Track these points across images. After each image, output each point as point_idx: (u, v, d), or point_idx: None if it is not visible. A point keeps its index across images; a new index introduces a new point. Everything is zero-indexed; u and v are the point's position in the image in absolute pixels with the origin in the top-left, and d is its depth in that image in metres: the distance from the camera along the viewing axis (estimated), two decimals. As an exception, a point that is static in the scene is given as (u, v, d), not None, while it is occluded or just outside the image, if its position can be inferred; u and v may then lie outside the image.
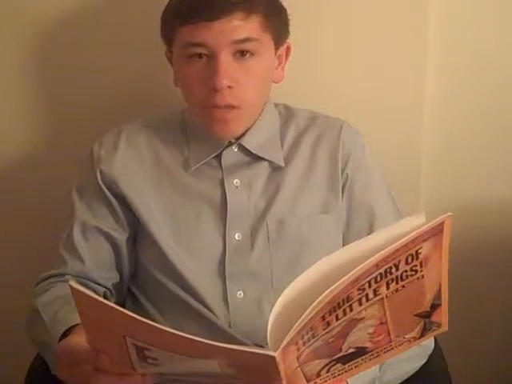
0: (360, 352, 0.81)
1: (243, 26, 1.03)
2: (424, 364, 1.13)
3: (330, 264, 0.76)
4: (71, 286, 0.72)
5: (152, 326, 0.72)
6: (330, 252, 1.12)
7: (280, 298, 0.75)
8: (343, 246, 1.15)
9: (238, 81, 1.05)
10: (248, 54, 1.06)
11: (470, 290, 1.44)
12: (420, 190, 1.43)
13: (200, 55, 1.05)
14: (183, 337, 0.71)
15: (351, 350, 0.80)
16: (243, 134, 1.13)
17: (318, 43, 1.32)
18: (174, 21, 1.07)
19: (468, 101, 1.40)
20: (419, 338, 0.83)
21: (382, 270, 0.74)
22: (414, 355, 1.09)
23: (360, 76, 1.36)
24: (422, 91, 1.37)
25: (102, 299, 0.73)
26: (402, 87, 1.37)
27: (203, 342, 0.71)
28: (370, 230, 1.14)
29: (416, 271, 0.77)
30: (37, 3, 1.32)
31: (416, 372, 1.12)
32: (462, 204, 1.45)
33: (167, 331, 0.71)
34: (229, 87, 1.04)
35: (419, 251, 0.75)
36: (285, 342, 0.72)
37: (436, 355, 1.14)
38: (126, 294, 1.18)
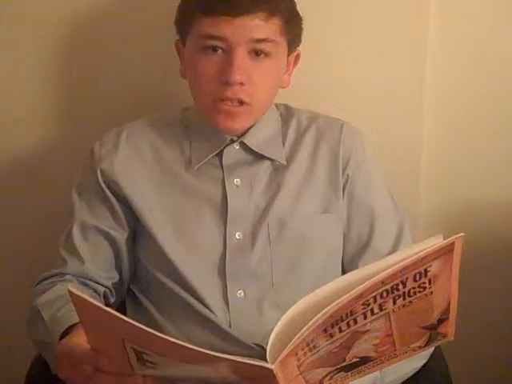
0: (364, 361, 0.81)
1: (264, 26, 1.04)
2: (424, 364, 1.13)
3: (343, 281, 0.75)
4: (70, 291, 0.72)
5: (150, 333, 0.71)
6: (330, 252, 1.13)
7: (287, 313, 0.75)
8: (343, 246, 1.16)
9: (250, 78, 1.05)
10: (263, 55, 1.06)
11: (469, 289, 1.43)
12: (420, 189, 1.43)
13: (215, 48, 1.05)
14: (180, 345, 0.71)
15: (355, 360, 0.80)
16: (245, 133, 1.13)
17: (318, 43, 1.32)
18: (194, 10, 1.06)
19: (468, 100, 1.40)
20: (424, 347, 0.83)
21: (387, 287, 0.74)
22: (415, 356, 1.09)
23: (359, 76, 1.36)
24: (422, 91, 1.36)
25: (100, 305, 0.73)
26: (402, 87, 1.36)
27: (200, 352, 0.71)
28: (371, 231, 1.14)
29: (424, 288, 0.76)
30: (37, 6, 1.32)
31: (416, 372, 1.12)
32: (461, 204, 1.45)
33: (165, 339, 0.71)
34: (241, 83, 1.04)
35: (428, 269, 0.75)
36: (282, 356, 0.72)
37: (436, 355, 1.14)
38: (126, 293, 1.18)
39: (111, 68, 1.35)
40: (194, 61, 1.08)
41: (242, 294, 1.09)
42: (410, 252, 0.73)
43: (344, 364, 0.80)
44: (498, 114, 1.41)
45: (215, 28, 1.03)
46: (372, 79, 1.36)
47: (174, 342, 0.71)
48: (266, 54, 1.06)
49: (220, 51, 1.05)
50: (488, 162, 1.43)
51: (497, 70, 1.38)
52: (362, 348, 0.78)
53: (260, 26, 1.04)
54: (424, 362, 1.13)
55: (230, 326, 1.08)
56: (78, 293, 0.72)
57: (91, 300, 0.72)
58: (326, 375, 0.80)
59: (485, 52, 1.37)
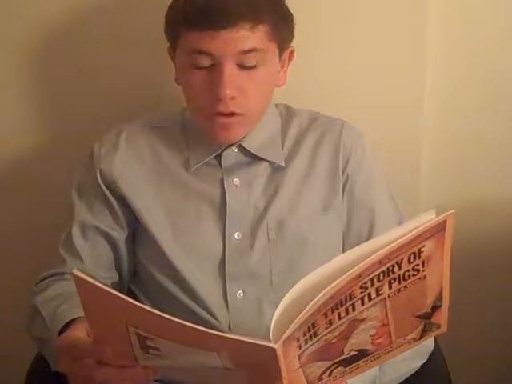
0: (361, 354, 0.81)
1: (249, 36, 1.02)
2: (424, 364, 1.13)
3: (342, 261, 0.76)
4: (75, 275, 0.73)
5: (153, 313, 0.72)
6: (329, 252, 1.13)
7: (289, 294, 0.75)
8: (343, 246, 1.16)
9: (241, 89, 1.04)
10: (252, 65, 1.04)
11: (469, 289, 1.44)
12: (420, 189, 1.43)
13: (204, 62, 1.03)
14: (183, 324, 0.72)
15: (353, 353, 0.81)
16: (244, 136, 1.13)
17: (317, 43, 1.32)
18: (179, 24, 1.05)
19: (468, 100, 1.40)
20: (419, 339, 0.84)
21: (384, 268, 0.75)
22: (414, 355, 1.09)
23: (360, 76, 1.36)
24: (422, 91, 1.36)
25: (104, 287, 0.73)
26: (402, 87, 1.36)
27: (203, 331, 0.72)
28: (371, 230, 1.14)
29: (418, 271, 0.77)
30: (37, 5, 1.32)
31: (416, 372, 1.13)
32: (461, 204, 1.45)
33: (168, 318, 0.72)
34: (232, 97, 1.03)
35: (421, 249, 0.76)
36: (286, 335, 0.72)
37: (436, 355, 1.14)
38: (125, 293, 1.18)
39: (110, 67, 1.35)
40: (185, 75, 1.08)
41: (242, 294, 1.10)
42: (403, 230, 0.75)
43: (342, 357, 0.80)
44: (497, 114, 1.41)
45: (201, 43, 1.02)
46: (372, 79, 1.36)
47: (174, 321, 0.72)
48: (256, 64, 1.05)
49: (208, 65, 1.04)
50: (488, 162, 1.43)
51: (497, 71, 1.38)
52: (359, 340, 0.79)
53: (246, 37, 1.01)
54: (423, 361, 1.13)
55: (230, 327, 1.08)
56: (82, 275, 0.72)
57: (95, 282, 0.72)
58: (325, 370, 0.81)
59: (485, 52, 1.37)
